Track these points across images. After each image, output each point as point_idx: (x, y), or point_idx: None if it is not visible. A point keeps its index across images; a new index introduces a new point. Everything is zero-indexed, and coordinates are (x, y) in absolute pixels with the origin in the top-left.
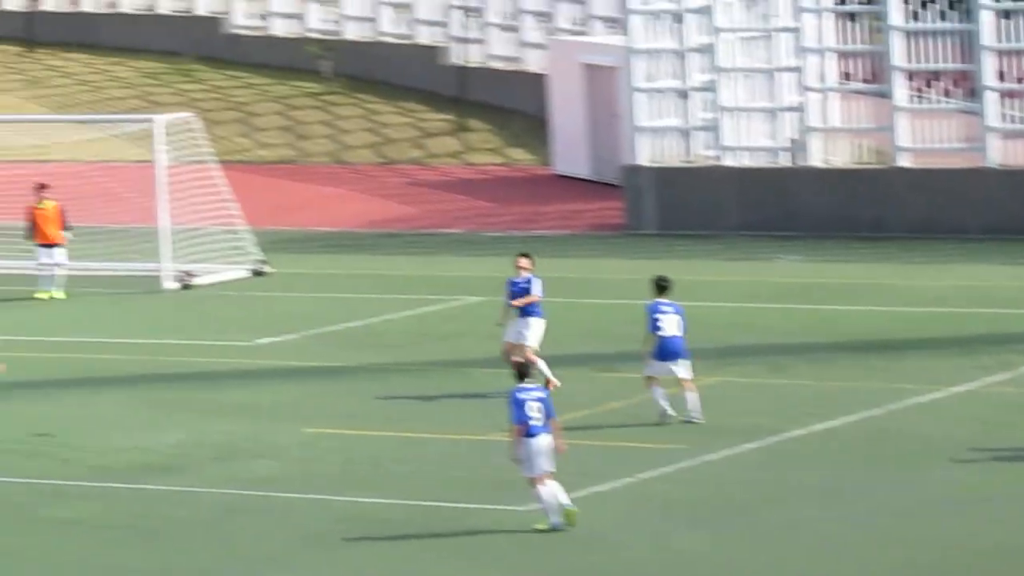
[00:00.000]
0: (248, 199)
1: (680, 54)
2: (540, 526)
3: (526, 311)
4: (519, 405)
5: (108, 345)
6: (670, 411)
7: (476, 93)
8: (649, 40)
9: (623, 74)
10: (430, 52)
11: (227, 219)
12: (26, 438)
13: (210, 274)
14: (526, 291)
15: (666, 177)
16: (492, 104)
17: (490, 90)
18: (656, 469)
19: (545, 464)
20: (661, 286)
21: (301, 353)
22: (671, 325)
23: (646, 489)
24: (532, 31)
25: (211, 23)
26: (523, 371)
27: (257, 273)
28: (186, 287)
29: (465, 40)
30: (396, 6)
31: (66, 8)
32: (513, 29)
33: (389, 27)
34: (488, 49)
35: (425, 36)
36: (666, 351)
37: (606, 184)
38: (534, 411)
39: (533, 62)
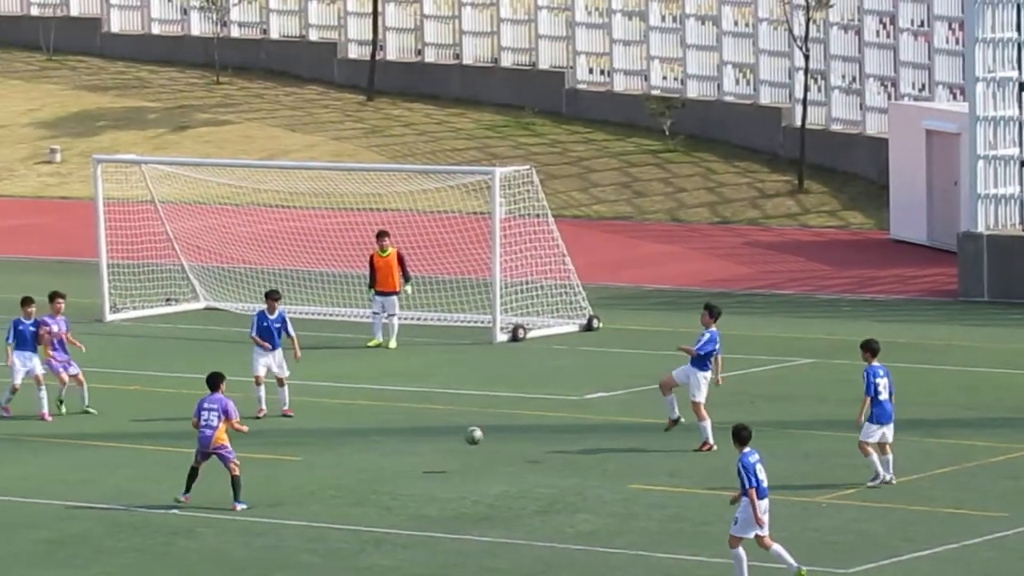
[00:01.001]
0: (582, 254)
1: (1023, 123)
2: None
3: (696, 362)
4: (751, 469)
5: (436, 395)
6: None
7: (816, 155)
8: (992, 108)
9: (965, 141)
10: (771, 113)
11: (560, 273)
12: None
13: (541, 327)
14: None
15: (1003, 245)
16: (831, 167)
17: (830, 153)
18: (980, 536)
19: (766, 526)
20: (875, 349)
21: (629, 409)
22: (885, 389)
23: (970, 556)
24: (875, 95)
25: (554, 77)
26: (744, 436)
27: (588, 328)
28: (516, 339)
29: (807, 102)
30: (739, 66)
31: (409, 59)
32: (856, 93)
33: (731, 87)
34: (830, 112)
35: (767, 97)
36: (883, 415)
37: (942, 250)
38: (762, 473)
39: (874, 126)
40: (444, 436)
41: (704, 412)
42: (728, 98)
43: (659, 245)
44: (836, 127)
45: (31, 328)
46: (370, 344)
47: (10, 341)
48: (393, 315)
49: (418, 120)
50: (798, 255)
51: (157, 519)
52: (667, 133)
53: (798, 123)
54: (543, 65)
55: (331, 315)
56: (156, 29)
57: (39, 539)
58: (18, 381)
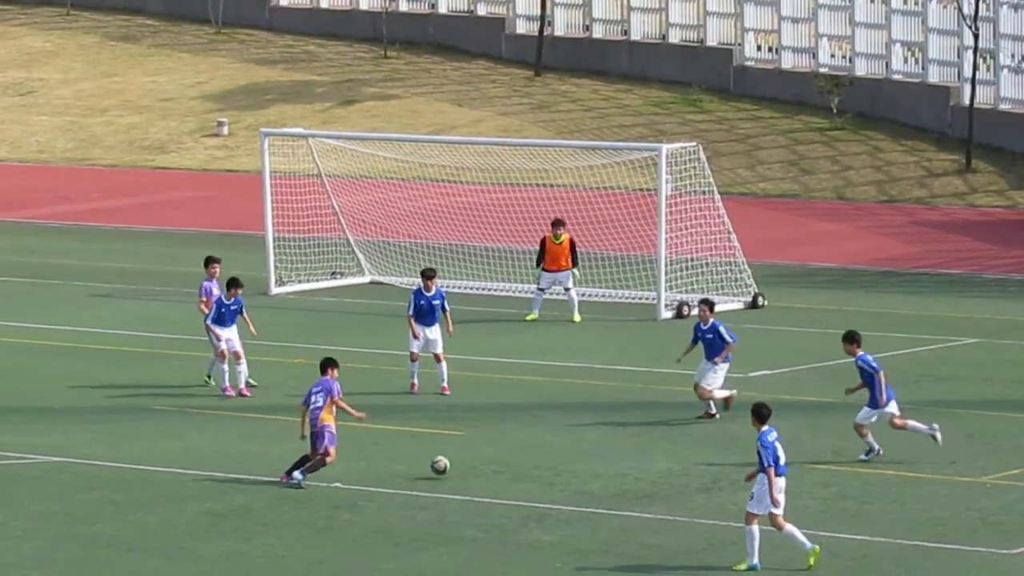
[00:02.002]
0: (748, 231)
1: None
2: (740, 567)
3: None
4: (770, 447)
5: (600, 371)
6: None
7: (984, 135)
8: None
9: None
10: (940, 92)
11: (726, 251)
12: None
13: None
14: (713, 337)
15: None
16: (999, 146)
17: (998, 132)
18: None
19: (781, 505)
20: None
21: (793, 387)
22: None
23: None
24: None
25: (722, 54)
26: (764, 414)
27: (753, 305)
28: (680, 316)
29: (976, 82)
30: (908, 45)
31: (577, 34)
32: None
33: (900, 65)
34: (999, 91)
35: (935, 76)
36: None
37: None
38: (780, 452)
39: None
40: (608, 412)
41: (712, 393)
42: (896, 76)
43: (825, 223)
44: (1005, 106)
45: (232, 308)
46: (527, 318)
47: (209, 321)
48: (569, 289)
49: (585, 96)
50: (965, 235)
51: (320, 492)
52: (835, 111)
53: (966, 102)
54: (711, 42)
55: (496, 290)
56: (324, 3)
57: (203, 511)
58: (222, 350)
